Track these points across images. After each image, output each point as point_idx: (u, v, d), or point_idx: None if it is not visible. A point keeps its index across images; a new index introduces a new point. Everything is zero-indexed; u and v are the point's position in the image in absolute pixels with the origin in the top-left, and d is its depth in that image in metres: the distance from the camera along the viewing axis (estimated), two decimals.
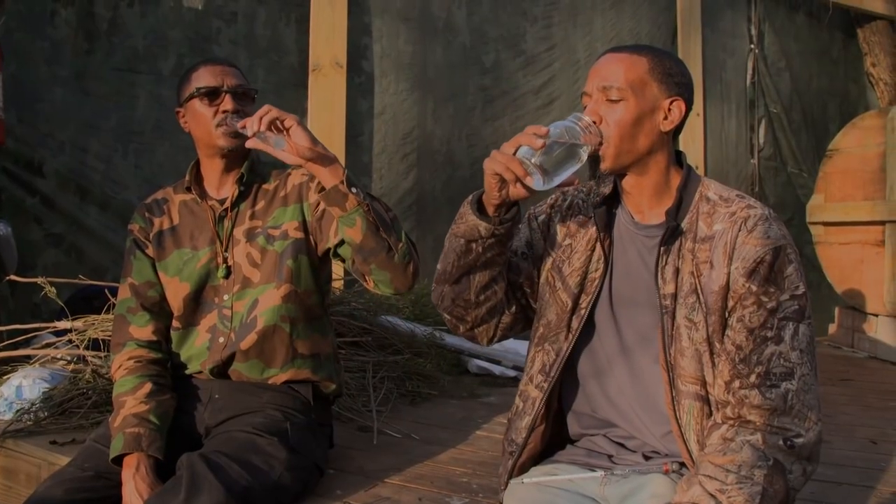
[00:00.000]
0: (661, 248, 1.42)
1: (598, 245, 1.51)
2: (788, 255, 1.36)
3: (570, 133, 1.36)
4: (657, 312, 1.43)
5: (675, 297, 1.41)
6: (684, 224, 1.43)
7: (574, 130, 1.36)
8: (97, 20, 3.51)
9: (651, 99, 1.42)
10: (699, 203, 1.44)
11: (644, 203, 1.49)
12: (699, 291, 1.38)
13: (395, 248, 1.69)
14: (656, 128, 1.43)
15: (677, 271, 1.41)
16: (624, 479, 1.45)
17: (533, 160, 1.33)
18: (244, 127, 1.65)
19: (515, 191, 1.37)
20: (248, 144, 1.63)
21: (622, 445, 1.52)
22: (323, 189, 1.68)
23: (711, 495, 1.25)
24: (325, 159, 1.65)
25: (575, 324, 1.51)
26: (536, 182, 1.34)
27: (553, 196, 1.64)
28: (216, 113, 1.88)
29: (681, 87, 1.45)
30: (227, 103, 1.88)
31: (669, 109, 1.43)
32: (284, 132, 1.62)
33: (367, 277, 1.77)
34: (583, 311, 1.51)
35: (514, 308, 1.61)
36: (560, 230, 1.58)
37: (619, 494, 1.43)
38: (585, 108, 1.45)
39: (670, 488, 1.38)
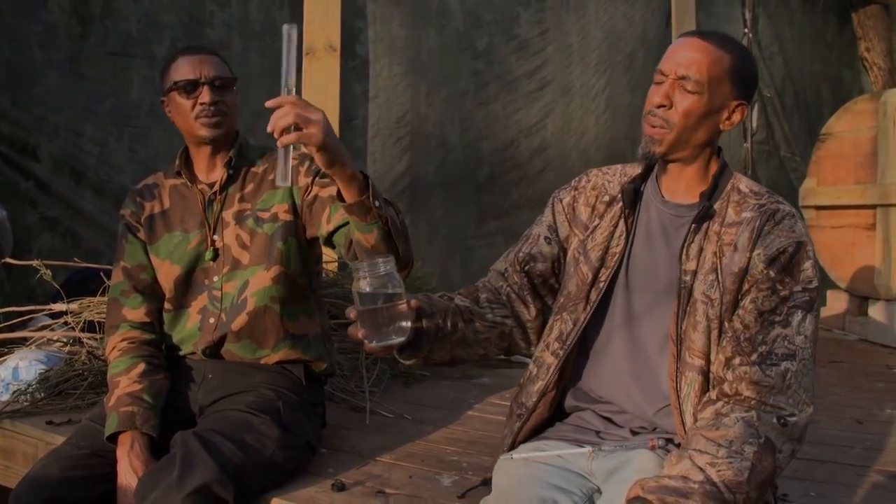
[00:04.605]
0: (692, 226, 1.47)
1: (622, 221, 1.56)
2: (808, 251, 1.43)
3: (375, 297, 1.34)
4: (674, 288, 1.47)
5: (695, 273, 1.46)
6: (715, 207, 1.48)
7: (378, 293, 1.34)
8: (90, 4, 3.50)
9: (722, 97, 1.46)
10: (730, 192, 1.50)
11: (680, 186, 1.53)
12: (718, 271, 1.44)
13: (402, 253, 1.63)
14: (717, 125, 1.48)
15: (701, 250, 1.46)
16: (611, 455, 1.48)
17: (374, 342, 1.36)
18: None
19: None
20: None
21: (610, 420, 1.55)
22: (333, 179, 1.53)
23: (700, 469, 1.27)
24: (346, 168, 1.49)
25: (593, 296, 1.55)
26: (398, 336, 1.37)
27: (576, 178, 1.68)
28: (195, 105, 1.89)
29: (749, 92, 1.49)
30: (205, 95, 1.88)
31: (733, 111, 1.48)
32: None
33: None
34: (601, 284, 1.55)
35: (534, 312, 1.66)
36: (584, 210, 1.62)
37: (606, 469, 1.46)
38: (658, 85, 1.47)
39: (656, 463, 1.41)
